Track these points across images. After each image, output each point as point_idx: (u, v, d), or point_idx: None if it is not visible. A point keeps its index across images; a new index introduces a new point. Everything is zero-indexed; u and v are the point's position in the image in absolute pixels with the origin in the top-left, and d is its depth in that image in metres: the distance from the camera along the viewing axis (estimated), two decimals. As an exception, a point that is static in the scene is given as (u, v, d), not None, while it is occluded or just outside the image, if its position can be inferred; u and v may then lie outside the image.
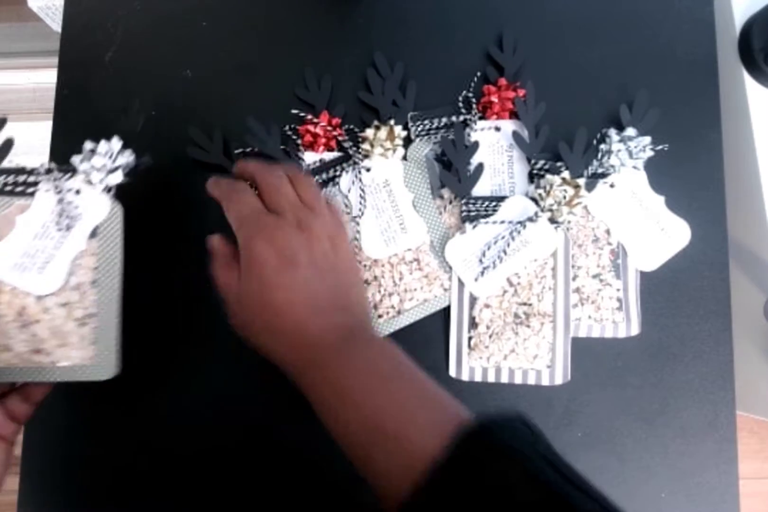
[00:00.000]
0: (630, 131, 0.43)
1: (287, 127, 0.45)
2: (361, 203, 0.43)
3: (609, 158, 0.43)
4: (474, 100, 0.45)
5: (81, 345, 0.34)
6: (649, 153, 0.43)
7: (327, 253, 0.35)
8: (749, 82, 0.52)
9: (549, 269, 0.42)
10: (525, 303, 0.42)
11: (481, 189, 0.44)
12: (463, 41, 0.47)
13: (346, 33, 0.48)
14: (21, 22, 0.93)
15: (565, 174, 0.41)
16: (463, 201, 0.42)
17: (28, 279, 0.34)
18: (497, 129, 0.45)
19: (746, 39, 0.52)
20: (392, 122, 0.44)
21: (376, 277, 0.43)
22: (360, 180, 0.43)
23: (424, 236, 0.43)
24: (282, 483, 0.42)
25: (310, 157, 0.44)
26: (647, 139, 0.43)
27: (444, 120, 0.45)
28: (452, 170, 0.43)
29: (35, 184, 0.35)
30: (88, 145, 0.36)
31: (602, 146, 0.43)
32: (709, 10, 0.48)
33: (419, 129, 0.45)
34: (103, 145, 0.36)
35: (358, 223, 0.43)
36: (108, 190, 0.36)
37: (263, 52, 0.47)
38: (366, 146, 0.44)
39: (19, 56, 1.01)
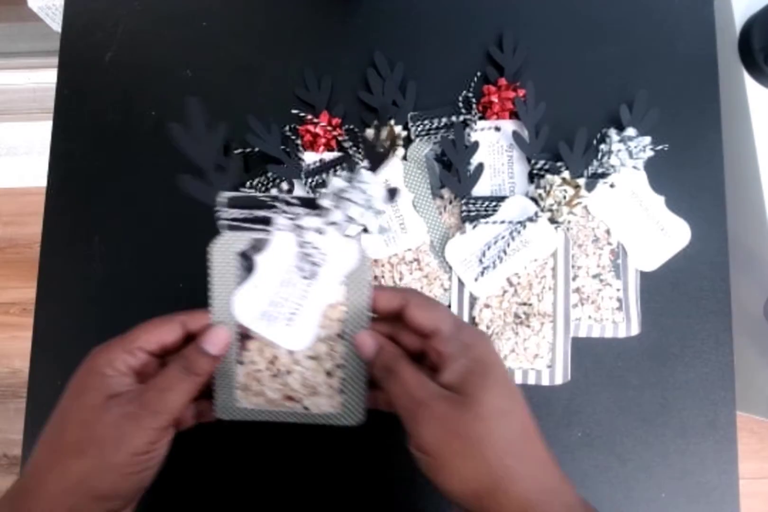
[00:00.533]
0: (630, 131, 0.43)
1: (287, 127, 0.45)
2: (361, 203, 0.43)
3: (609, 158, 0.43)
4: (474, 100, 0.45)
5: (329, 393, 0.33)
6: (649, 153, 0.43)
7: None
8: (749, 82, 0.52)
9: (549, 269, 0.42)
10: (525, 303, 0.42)
11: (481, 189, 0.44)
12: (463, 41, 0.47)
13: (346, 33, 0.48)
14: (21, 22, 0.93)
15: (565, 174, 0.41)
16: (463, 201, 0.42)
17: (277, 332, 0.32)
18: (497, 129, 0.45)
19: (746, 39, 0.52)
20: (392, 122, 0.44)
21: (376, 277, 0.43)
22: (360, 180, 0.43)
23: (424, 236, 0.43)
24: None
25: (310, 157, 0.44)
26: (647, 139, 0.43)
27: (444, 120, 0.45)
28: (452, 170, 0.43)
29: (268, 219, 0.31)
30: (337, 181, 0.31)
31: (602, 146, 0.43)
32: (709, 10, 0.48)
33: (419, 129, 0.45)
34: (351, 178, 0.30)
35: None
36: (352, 234, 0.31)
37: (263, 52, 0.47)
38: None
39: (19, 56, 1.00)
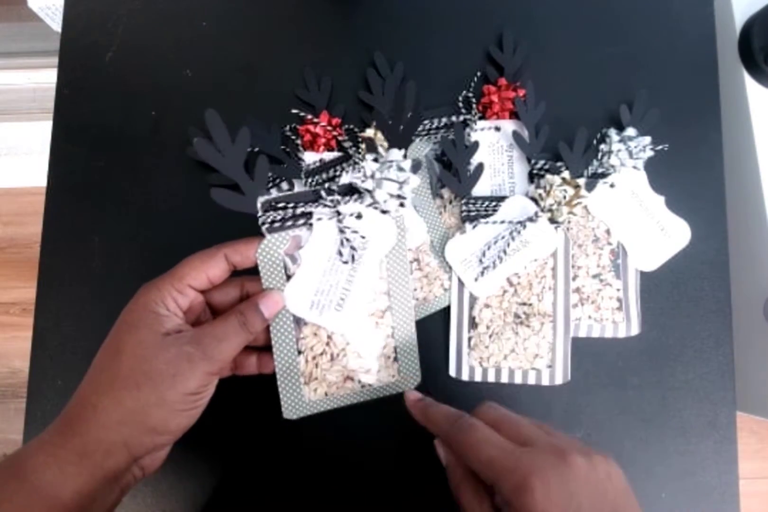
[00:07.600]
0: (630, 131, 0.43)
1: (287, 127, 0.45)
2: (361, 203, 0.43)
3: (609, 158, 0.43)
4: (474, 100, 0.45)
5: (386, 364, 0.34)
6: (649, 153, 0.43)
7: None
8: (749, 82, 0.53)
9: (549, 269, 0.42)
10: (525, 303, 0.42)
11: (481, 189, 0.44)
12: (463, 41, 0.47)
13: (346, 33, 0.48)
14: (21, 22, 0.93)
15: (565, 174, 0.41)
16: (463, 201, 0.42)
17: (329, 319, 0.33)
18: (497, 129, 0.45)
19: (746, 39, 0.52)
20: (392, 122, 0.44)
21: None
22: (360, 180, 0.43)
23: (424, 236, 0.43)
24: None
25: (310, 157, 0.44)
26: (647, 139, 0.43)
27: (444, 120, 0.45)
28: (452, 170, 0.43)
29: (309, 213, 0.32)
30: (370, 164, 0.33)
31: (602, 146, 0.43)
32: (709, 10, 0.48)
33: (419, 129, 0.45)
34: (391, 156, 0.32)
35: (358, 223, 0.43)
36: (384, 211, 0.32)
37: (263, 52, 0.47)
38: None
39: (19, 56, 1.01)
